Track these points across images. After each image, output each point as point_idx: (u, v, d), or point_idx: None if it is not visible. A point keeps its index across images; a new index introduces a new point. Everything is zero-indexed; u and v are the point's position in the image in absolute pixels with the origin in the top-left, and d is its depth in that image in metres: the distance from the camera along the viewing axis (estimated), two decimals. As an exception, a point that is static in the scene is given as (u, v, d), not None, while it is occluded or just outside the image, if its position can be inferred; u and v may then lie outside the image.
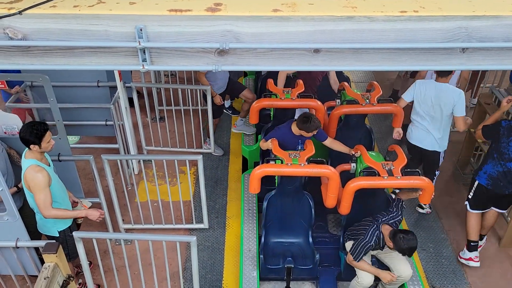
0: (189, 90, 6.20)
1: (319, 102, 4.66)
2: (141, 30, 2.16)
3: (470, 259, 4.61)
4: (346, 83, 4.94)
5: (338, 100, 4.97)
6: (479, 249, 4.67)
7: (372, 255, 4.09)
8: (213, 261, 4.69)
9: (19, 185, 3.87)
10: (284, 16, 2.20)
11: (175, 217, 4.98)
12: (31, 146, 3.43)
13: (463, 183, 5.70)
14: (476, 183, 4.43)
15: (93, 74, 5.22)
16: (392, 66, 2.36)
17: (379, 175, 3.75)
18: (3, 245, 3.48)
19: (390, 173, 3.75)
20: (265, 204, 4.26)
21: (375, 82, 4.95)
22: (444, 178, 5.82)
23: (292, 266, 4.15)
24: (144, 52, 2.25)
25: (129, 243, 4.69)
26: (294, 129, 4.34)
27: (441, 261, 4.75)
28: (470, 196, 4.53)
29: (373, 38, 2.24)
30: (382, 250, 3.94)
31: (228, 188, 5.63)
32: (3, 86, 4.39)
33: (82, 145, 6.06)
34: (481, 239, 4.74)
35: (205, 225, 4.95)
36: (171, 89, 6.33)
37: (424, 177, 3.79)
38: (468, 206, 4.57)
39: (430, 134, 4.68)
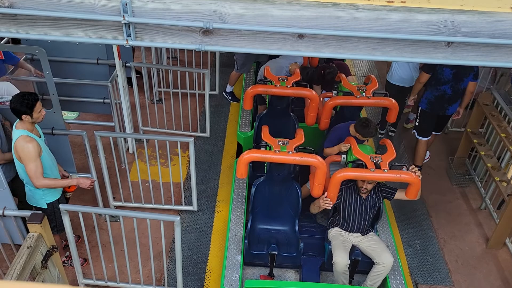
0: (188, 73, 6.20)
1: (314, 92, 4.65)
2: (126, 4, 2.17)
3: None
4: (343, 75, 4.93)
5: (334, 92, 4.97)
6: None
7: (354, 245, 4.12)
8: (200, 243, 4.74)
9: None
10: (270, -1, 2.20)
11: (166, 198, 5.02)
12: (23, 116, 3.47)
13: (456, 183, 5.68)
14: (420, 108, 5.20)
15: (93, 51, 5.24)
16: (376, 56, 2.35)
17: (366, 167, 3.76)
18: (-11, 213, 3.54)
19: (378, 166, 3.76)
20: (253, 190, 4.28)
21: (373, 76, 4.93)
22: (437, 176, 5.80)
23: (276, 253, 4.18)
24: (129, 27, 2.26)
25: (118, 220, 4.74)
26: (351, 130, 4.48)
27: (427, 258, 4.76)
28: (417, 123, 5.27)
29: (358, 26, 2.23)
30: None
31: (221, 173, 5.66)
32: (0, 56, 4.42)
33: (80, 121, 6.11)
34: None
35: (194, 207, 4.99)
36: (170, 71, 6.34)
37: (411, 172, 3.79)
38: (416, 134, 5.31)
39: (411, 76, 5.55)
